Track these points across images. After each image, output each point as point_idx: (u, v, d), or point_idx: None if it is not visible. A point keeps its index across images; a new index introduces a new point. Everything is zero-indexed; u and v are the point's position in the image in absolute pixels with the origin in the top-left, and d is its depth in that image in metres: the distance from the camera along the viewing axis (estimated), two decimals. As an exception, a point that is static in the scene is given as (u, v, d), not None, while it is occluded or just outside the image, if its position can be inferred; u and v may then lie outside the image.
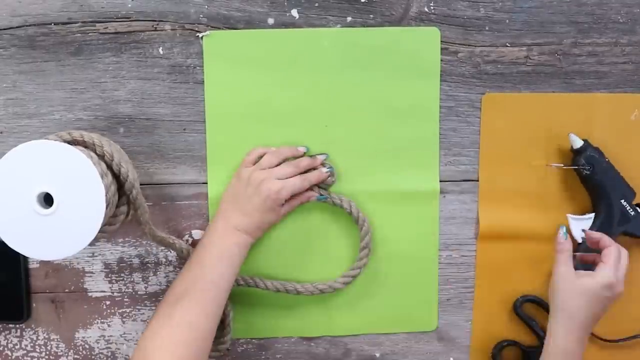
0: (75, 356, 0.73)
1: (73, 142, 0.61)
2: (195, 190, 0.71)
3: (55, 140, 0.59)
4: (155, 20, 0.68)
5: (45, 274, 0.72)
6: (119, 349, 0.73)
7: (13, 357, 0.73)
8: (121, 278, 0.72)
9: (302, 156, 0.70)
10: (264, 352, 0.75)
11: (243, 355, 0.75)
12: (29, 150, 0.56)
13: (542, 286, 0.75)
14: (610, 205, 0.70)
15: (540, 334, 0.74)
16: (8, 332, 0.72)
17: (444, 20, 0.71)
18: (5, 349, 0.72)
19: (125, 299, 0.72)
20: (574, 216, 0.72)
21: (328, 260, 0.73)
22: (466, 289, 0.75)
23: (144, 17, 0.68)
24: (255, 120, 0.70)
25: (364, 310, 0.74)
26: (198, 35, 0.69)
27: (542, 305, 0.75)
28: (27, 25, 0.67)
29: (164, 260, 0.72)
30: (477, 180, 0.74)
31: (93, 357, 0.73)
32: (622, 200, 0.70)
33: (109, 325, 0.73)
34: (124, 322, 0.73)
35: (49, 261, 0.71)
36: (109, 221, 0.63)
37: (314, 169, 0.70)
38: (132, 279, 0.72)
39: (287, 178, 0.67)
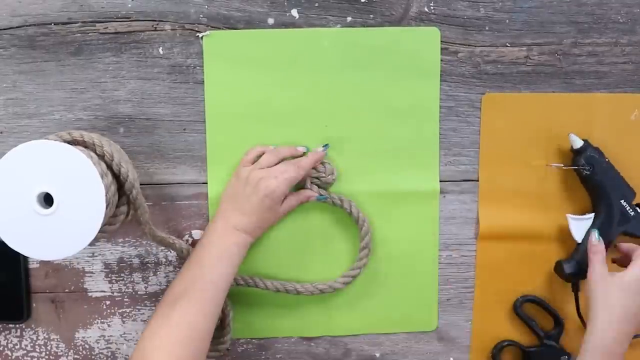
0: (75, 356, 0.73)
1: (73, 142, 0.61)
2: (195, 190, 0.71)
3: (55, 140, 0.59)
4: (155, 20, 0.68)
5: (45, 274, 0.72)
6: (119, 349, 0.73)
7: (13, 357, 0.73)
8: (121, 278, 0.72)
9: (301, 156, 0.70)
10: (264, 352, 0.75)
11: (243, 355, 0.75)
12: (29, 150, 0.56)
13: (542, 286, 0.75)
14: (610, 205, 0.70)
15: (540, 334, 0.74)
16: (8, 332, 0.72)
17: (444, 20, 0.71)
18: (5, 349, 0.72)
19: (125, 299, 0.72)
20: (574, 216, 0.72)
21: (328, 260, 0.73)
22: (466, 289, 0.75)
23: (144, 17, 0.68)
24: (255, 120, 0.70)
25: (364, 310, 0.74)
26: (198, 35, 0.69)
27: (542, 305, 0.75)
28: (27, 25, 0.67)
29: (164, 260, 0.72)
30: (477, 180, 0.74)
31: (93, 357, 0.73)
32: (622, 201, 0.70)
33: (109, 325, 0.73)
34: (124, 322, 0.73)
35: (49, 261, 0.71)
36: (109, 221, 0.63)
37: (314, 169, 0.70)
38: (132, 279, 0.72)
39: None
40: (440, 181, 0.73)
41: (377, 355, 0.76)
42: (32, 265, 0.71)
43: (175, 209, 0.71)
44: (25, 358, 0.73)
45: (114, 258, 0.72)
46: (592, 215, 0.71)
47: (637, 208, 0.71)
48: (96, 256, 0.72)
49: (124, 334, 0.73)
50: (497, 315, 0.75)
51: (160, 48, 0.69)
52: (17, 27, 0.67)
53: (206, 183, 0.71)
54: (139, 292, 0.72)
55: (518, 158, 0.73)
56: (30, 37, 0.67)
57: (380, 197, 0.72)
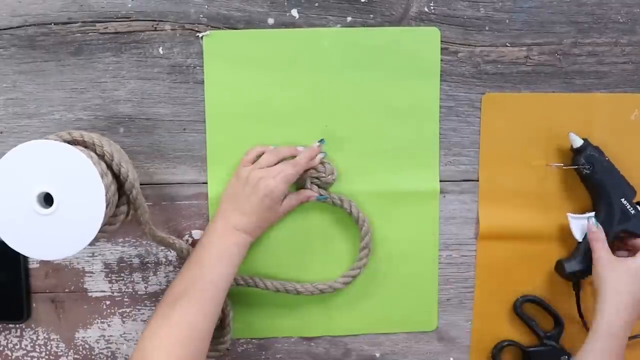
0: (75, 356, 0.73)
1: (73, 142, 0.61)
2: (195, 190, 0.71)
3: (55, 140, 0.59)
4: (155, 20, 0.68)
5: (45, 274, 0.72)
6: (119, 349, 0.73)
7: (13, 357, 0.73)
8: (121, 278, 0.72)
9: (301, 157, 0.70)
10: (264, 352, 0.75)
11: (243, 355, 0.75)
12: (29, 150, 0.56)
13: (542, 286, 0.75)
14: (611, 204, 0.70)
15: (540, 334, 0.74)
16: (8, 332, 0.72)
17: (444, 20, 0.71)
18: (5, 349, 0.72)
19: (125, 299, 0.72)
20: (574, 215, 0.72)
21: (328, 260, 0.73)
22: (466, 289, 0.75)
23: (144, 17, 0.68)
24: (255, 120, 0.70)
25: (363, 310, 0.74)
26: (198, 35, 0.69)
27: (542, 305, 0.75)
28: (27, 25, 0.67)
29: (164, 260, 0.72)
30: (477, 180, 0.74)
31: (93, 357, 0.73)
32: (623, 199, 0.70)
33: (109, 325, 0.73)
34: (124, 322, 0.73)
35: (49, 261, 0.71)
36: (109, 221, 0.63)
37: (314, 169, 0.70)
38: (132, 279, 0.72)
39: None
40: (440, 181, 0.73)
41: (377, 355, 0.76)
42: (32, 265, 0.71)
43: (175, 209, 0.71)
44: (25, 358, 0.73)
45: (114, 258, 0.72)
46: (592, 214, 0.71)
47: (638, 206, 0.71)
48: (96, 256, 0.72)
49: (124, 334, 0.73)
50: (497, 315, 0.75)
51: (160, 48, 0.69)
52: (17, 27, 0.67)
53: (206, 183, 0.71)
54: (139, 292, 0.72)
55: (518, 158, 0.73)
56: (30, 37, 0.67)
57: (380, 197, 0.72)
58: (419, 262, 0.74)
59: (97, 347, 0.73)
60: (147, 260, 0.72)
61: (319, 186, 0.70)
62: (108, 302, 0.72)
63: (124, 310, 0.73)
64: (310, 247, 0.73)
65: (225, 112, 0.70)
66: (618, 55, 0.73)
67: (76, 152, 0.57)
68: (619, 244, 0.72)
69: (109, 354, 0.73)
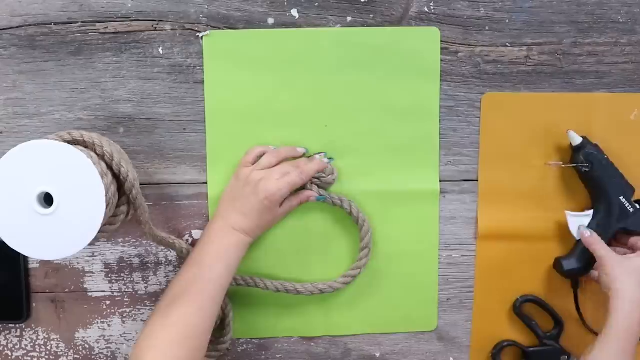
0: (75, 356, 0.73)
1: (73, 142, 0.61)
2: (195, 190, 0.71)
3: (55, 140, 0.59)
4: (155, 20, 0.68)
5: (45, 274, 0.72)
6: (119, 349, 0.73)
7: (13, 357, 0.73)
8: (121, 278, 0.72)
9: (301, 157, 0.70)
10: (264, 352, 0.75)
11: (243, 355, 0.75)
12: (29, 150, 0.56)
13: (542, 286, 0.75)
14: (609, 202, 0.70)
15: (540, 334, 0.74)
16: (8, 332, 0.72)
17: (444, 20, 0.71)
18: (5, 349, 0.72)
19: (125, 299, 0.72)
20: (573, 213, 0.72)
21: (328, 260, 0.73)
22: (466, 289, 0.75)
23: (144, 17, 0.68)
24: (255, 120, 0.70)
25: (363, 310, 0.74)
26: (198, 35, 0.69)
27: (542, 305, 0.75)
28: (27, 25, 0.67)
29: (164, 260, 0.72)
30: (477, 180, 0.74)
31: (93, 357, 0.73)
32: (621, 197, 0.70)
33: (109, 325, 0.73)
34: (124, 322, 0.73)
35: (49, 261, 0.71)
36: (109, 221, 0.63)
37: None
38: (132, 279, 0.72)
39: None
40: (440, 181, 0.73)
41: (377, 355, 0.76)
42: (32, 265, 0.71)
43: (175, 209, 0.71)
44: (25, 358, 0.73)
45: (114, 258, 0.72)
46: (590, 212, 0.71)
47: (637, 205, 0.70)
48: (96, 256, 0.72)
49: (124, 334, 0.73)
50: (497, 315, 0.75)
51: (160, 48, 0.69)
52: (17, 27, 0.67)
53: (206, 183, 0.71)
54: (139, 292, 0.73)
55: (518, 158, 0.73)
56: (30, 37, 0.67)
57: (380, 197, 0.72)
58: (419, 262, 0.74)
59: (97, 347, 0.73)
60: (147, 260, 0.72)
61: (319, 186, 0.70)
62: (108, 302, 0.72)
63: (124, 310, 0.73)
64: (310, 247, 0.73)
65: (225, 112, 0.70)
66: (618, 55, 0.73)
67: (76, 152, 0.57)
68: (616, 243, 0.72)
69: (109, 354, 0.73)
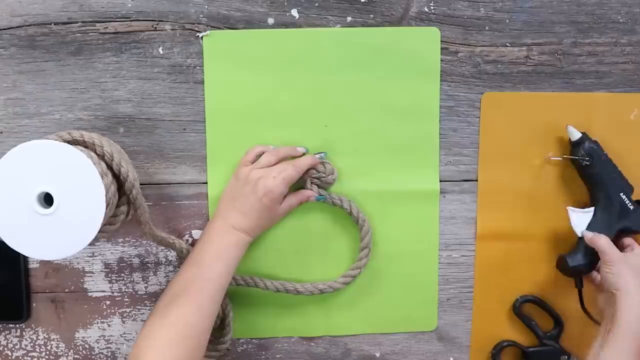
0: (75, 356, 0.73)
1: (73, 142, 0.61)
2: (195, 190, 0.71)
3: (55, 140, 0.59)
4: (155, 20, 0.68)
5: (45, 274, 0.72)
6: (119, 349, 0.73)
7: (13, 357, 0.73)
8: (121, 278, 0.72)
9: (300, 157, 0.70)
10: (264, 352, 0.75)
11: (243, 355, 0.75)
12: (29, 150, 0.56)
13: (541, 286, 0.75)
14: (610, 198, 0.69)
15: (540, 334, 0.74)
16: (8, 332, 0.72)
17: (444, 20, 0.71)
18: (5, 349, 0.72)
19: (125, 299, 0.72)
20: (575, 209, 0.71)
21: (328, 260, 0.73)
22: (466, 289, 0.75)
23: (144, 17, 0.68)
24: (255, 120, 0.70)
25: (363, 310, 0.74)
26: (198, 35, 0.69)
27: (542, 305, 0.75)
28: (27, 25, 0.67)
29: (164, 260, 0.72)
30: (477, 180, 0.74)
31: (93, 357, 0.73)
32: (622, 194, 0.69)
33: (109, 325, 0.73)
34: (124, 322, 0.73)
35: (49, 261, 0.71)
36: (109, 221, 0.63)
37: (314, 169, 0.70)
38: (132, 279, 0.72)
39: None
40: (440, 181, 0.73)
41: (377, 355, 0.76)
42: (32, 265, 0.71)
43: (175, 209, 0.71)
44: (25, 358, 0.73)
45: (114, 258, 0.72)
46: (592, 209, 0.70)
47: (637, 203, 0.70)
48: (96, 256, 0.72)
49: (124, 334, 0.73)
50: (496, 315, 0.75)
51: (160, 48, 0.69)
52: (17, 27, 0.67)
53: (206, 183, 0.71)
54: (139, 292, 0.73)
55: (518, 157, 0.73)
56: (30, 37, 0.67)
57: (380, 196, 0.72)
58: (419, 262, 0.74)
59: (97, 347, 0.73)
60: (147, 260, 0.72)
61: (319, 186, 0.70)
62: (108, 302, 0.72)
63: (124, 310, 0.73)
64: (310, 247, 0.73)
65: (225, 112, 0.70)
66: (618, 55, 0.73)
67: (76, 152, 0.57)
68: (616, 240, 0.70)
69: (109, 354, 0.73)
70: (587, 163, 0.69)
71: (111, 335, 0.73)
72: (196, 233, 0.72)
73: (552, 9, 0.71)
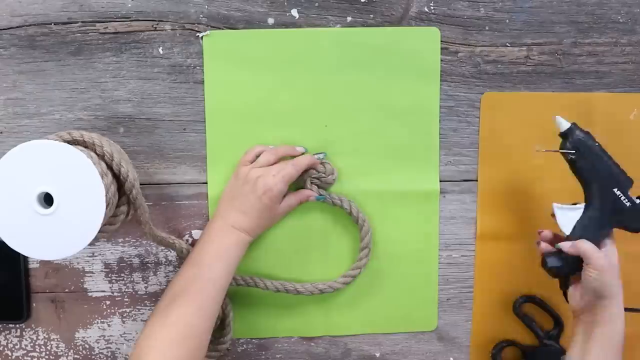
0: (75, 356, 0.73)
1: (73, 142, 0.61)
2: (195, 190, 0.71)
3: (55, 140, 0.59)
4: (155, 20, 0.68)
5: (45, 274, 0.72)
6: (119, 349, 0.73)
7: (13, 357, 0.73)
8: (121, 278, 0.72)
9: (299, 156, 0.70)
10: (264, 352, 0.75)
11: (243, 355, 0.75)
12: (29, 150, 0.56)
13: (541, 286, 0.75)
14: (601, 194, 0.64)
15: (539, 334, 0.74)
16: (8, 332, 0.72)
17: (444, 20, 0.71)
18: (5, 349, 0.72)
19: (125, 299, 0.72)
20: (561, 205, 0.65)
21: (328, 260, 0.73)
22: (466, 289, 0.75)
23: (144, 17, 0.68)
24: (255, 120, 0.70)
25: (363, 310, 0.74)
26: (198, 35, 0.69)
27: (542, 305, 0.75)
28: (27, 25, 0.67)
29: (164, 260, 0.72)
30: (477, 180, 0.74)
31: (93, 357, 0.73)
32: (615, 189, 0.63)
33: (109, 325, 0.73)
34: (124, 322, 0.73)
35: (49, 261, 0.71)
36: (109, 221, 0.63)
37: (314, 169, 0.70)
38: (132, 279, 0.72)
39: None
40: (440, 181, 0.73)
41: (377, 355, 0.76)
42: (32, 265, 0.71)
43: (175, 209, 0.71)
44: (25, 358, 0.73)
45: (114, 258, 0.72)
46: (581, 205, 0.65)
47: (636, 199, 0.64)
48: (96, 256, 0.72)
49: (124, 334, 0.73)
50: (496, 315, 0.76)
51: (160, 48, 0.69)
52: (17, 27, 0.67)
53: (206, 183, 0.71)
54: (139, 292, 0.73)
55: (518, 157, 0.73)
56: (30, 37, 0.67)
57: (380, 197, 0.72)
58: (419, 262, 0.74)
59: (97, 347, 0.73)
60: (147, 260, 0.72)
61: (319, 186, 0.70)
62: (108, 302, 0.72)
63: (124, 310, 0.73)
64: (310, 247, 0.73)
65: (225, 112, 0.70)
66: (618, 55, 0.73)
67: (76, 152, 0.57)
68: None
69: (109, 354, 0.73)
70: (572, 157, 0.63)
71: (111, 335, 0.73)
72: (196, 233, 0.72)
73: (552, 9, 0.71)
